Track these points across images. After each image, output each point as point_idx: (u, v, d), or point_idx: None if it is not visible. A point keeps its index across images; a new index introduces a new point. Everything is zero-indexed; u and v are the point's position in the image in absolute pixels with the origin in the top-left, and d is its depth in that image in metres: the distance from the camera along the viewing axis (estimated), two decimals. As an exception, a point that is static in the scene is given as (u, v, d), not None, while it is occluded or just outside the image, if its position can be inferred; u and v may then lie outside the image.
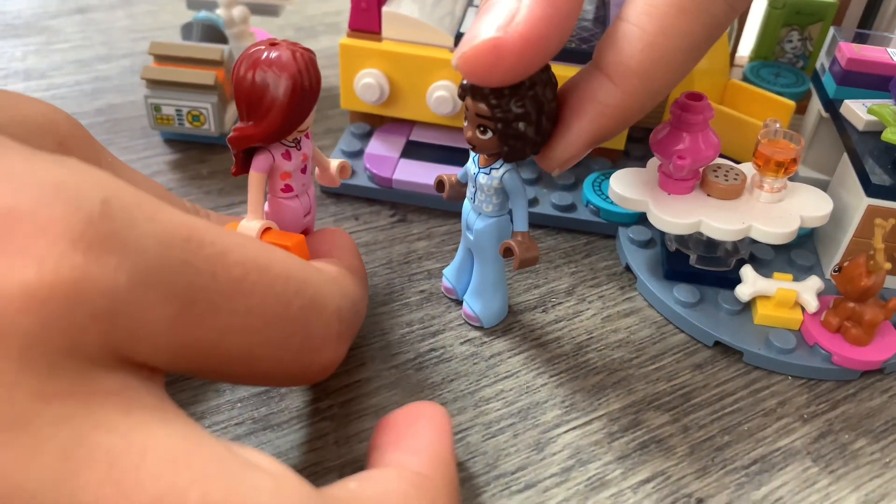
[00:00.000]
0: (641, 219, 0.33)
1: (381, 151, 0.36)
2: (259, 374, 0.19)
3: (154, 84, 0.35)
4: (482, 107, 0.23)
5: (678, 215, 0.28)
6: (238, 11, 0.39)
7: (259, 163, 0.24)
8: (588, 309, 0.30)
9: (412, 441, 0.21)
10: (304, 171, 0.26)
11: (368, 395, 0.26)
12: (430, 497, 0.19)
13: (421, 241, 0.33)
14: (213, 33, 0.38)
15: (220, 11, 0.39)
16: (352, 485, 0.18)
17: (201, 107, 0.35)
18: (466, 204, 0.27)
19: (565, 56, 0.34)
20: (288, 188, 0.25)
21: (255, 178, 0.24)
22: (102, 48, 0.45)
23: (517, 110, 0.22)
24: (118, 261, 0.15)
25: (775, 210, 0.29)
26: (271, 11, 0.41)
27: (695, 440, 0.26)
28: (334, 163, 0.28)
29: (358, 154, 0.36)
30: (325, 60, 0.45)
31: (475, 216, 0.27)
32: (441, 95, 0.34)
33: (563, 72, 0.33)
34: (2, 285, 0.14)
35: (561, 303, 0.30)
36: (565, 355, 0.28)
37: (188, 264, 0.16)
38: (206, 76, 0.35)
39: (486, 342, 0.28)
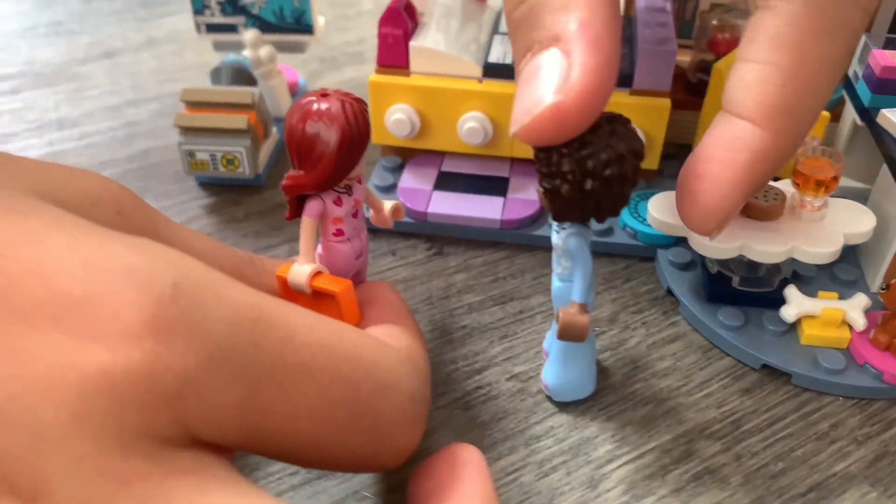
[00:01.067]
0: (680, 240, 0.33)
1: (414, 184, 0.36)
2: (328, 458, 0.19)
3: (187, 131, 0.35)
4: (534, 157, 0.22)
5: (720, 239, 0.28)
6: (265, 51, 0.40)
7: (311, 209, 0.25)
8: (632, 337, 0.30)
9: (457, 487, 0.20)
10: (355, 215, 0.26)
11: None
12: None
13: (459, 274, 0.33)
14: (242, 75, 0.38)
15: (246, 53, 0.39)
16: None
17: (235, 150, 0.35)
18: None
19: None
20: (339, 232, 0.26)
21: (306, 223, 0.25)
22: (131, 92, 0.46)
23: (563, 168, 0.21)
24: (187, 343, 0.15)
25: (817, 229, 0.28)
26: (297, 48, 0.41)
27: (749, 469, 0.25)
28: (388, 204, 0.28)
29: (391, 188, 0.36)
30: (353, 92, 0.46)
31: (553, 275, 0.25)
32: (472, 127, 0.34)
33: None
34: (80, 369, 0.14)
35: (605, 332, 0.30)
36: (613, 387, 0.28)
37: (257, 346, 0.17)
38: (238, 120, 0.35)
39: (532, 378, 0.28)
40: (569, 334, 0.24)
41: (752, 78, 0.21)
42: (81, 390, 0.14)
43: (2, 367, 0.14)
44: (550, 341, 0.28)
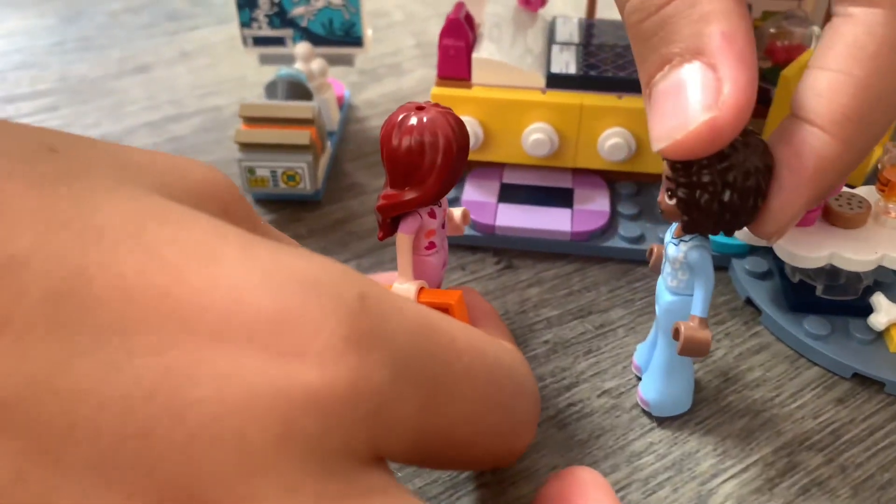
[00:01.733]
0: (754, 249, 0.33)
1: (478, 197, 0.35)
2: (473, 460, 0.19)
3: (247, 147, 0.35)
4: (668, 168, 0.22)
5: (809, 249, 0.28)
6: (317, 64, 0.39)
7: (409, 225, 0.24)
8: (717, 349, 0.30)
9: None
10: (443, 225, 0.26)
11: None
12: None
13: (532, 288, 0.33)
14: (298, 89, 0.37)
15: (299, 66, 0.39)
16: None
17: (297, 167, 0.35)
18: (660, 277, 0.26)
19: (601, 86, 0.34)
20: (432, 245, 0.26)
21: (404, 240, 0.25)
22: (171, 108, 0.45)
23: (703, 179, 0.21)
24: (381, 356, 0.15)
25: (905, 236, 0.28)
26: (346, 61, 0.41)
27: (855, 480, 0.25)
28: (457, 211, 0.28)
29: (453, 202, 0.36)
30: (396, 104, 0.45)
31: (663, 289, 0.25)
32: (538, 138, 0.34)
33: (598, 101, 0.33)
34: (285, 388, 0.14)
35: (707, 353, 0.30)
36: (706, 400, 0.28)
37: (431, 354, 0.17)
38: (300, 136, 0.34)
39: (623, 393, 0.28)
40: (692, 350, 0.23)
41: (825, 86, 0.21)
42: (287, 411, 0.14)
43: (199, 387, 0.13)
44: (646, 357, 0.28)
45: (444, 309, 0.24)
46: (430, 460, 0.18)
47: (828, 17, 0.38)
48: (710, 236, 0.33)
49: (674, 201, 0.22)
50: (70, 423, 0.13)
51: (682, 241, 0.24)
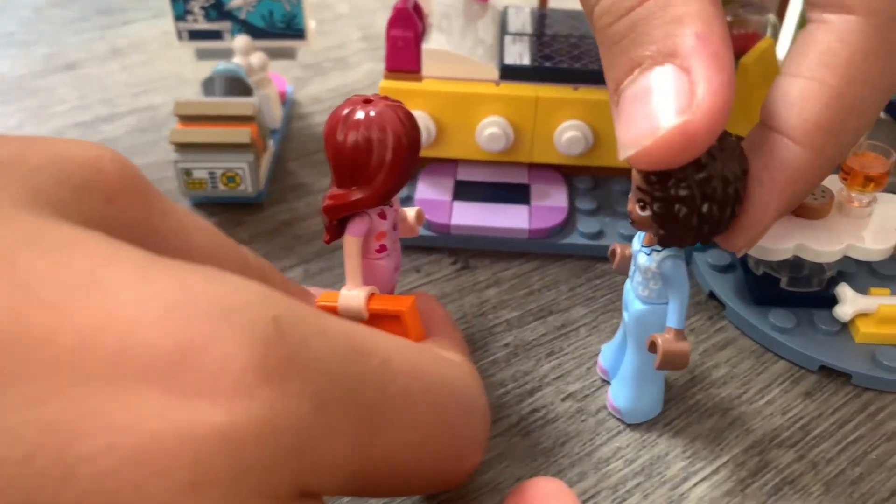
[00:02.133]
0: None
1: (432, 195, 0.34)
2: (416, 486, 0.18)
3: (183, 147, 0.33)
4: (641, 179, 0.20)
5: (774, 241, 0.27)
6: (257, 59, 0.37)
7: (357, 227, 0.23)
8: (683, 345, 0.29)
9: None
10: (395, 227, 0.24)
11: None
12: None
13: (490, 289, 0.31)
14: (237, 85, 0.35)
15: (237, 60, 0.37)
16: None
17: (237, 167, 0.33)
18: (627, 281, 0.24)
19: (557, 77, 0.33)
20: (382, 248, 0.24)
21: (352, 242, 0.23)
22: (103, 107, 0.43)
23: (681, 192, 0.19)
24: (301, 387, 0.13)
25: (868, 225, 0.28)
26: (288, 54, 0.39)
27: (827, 476, 0.24)
28: (410, 211, 0.26)
29: (405, 201, 0.34)
30: (342, 99, 0.43)
31: (632, 297, 0.24)
32: (493, 133, 0.32)
33: (553, 93, 0.32)
34: (191, 432, 0.12)
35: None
36: (674, 400, 0.27)
37: (361, 379, 0.15)
38: (240, 134, 0.32)
39: (588, 395, 0.27)
40: (671, 364, 0.22)
41: (796, 94, 0.20)
42: (196, 457, 0.12)
43: (89, 441, 0.12)
44: (612, 359, 0.27)
45: (396, 317, 0.22)
46: (371, 490, 0.17)
47: (784, 6, 0.37)
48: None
49: (647, 213, 0.20)
50: None
51: (654, 250, 0.22)
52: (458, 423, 0.18)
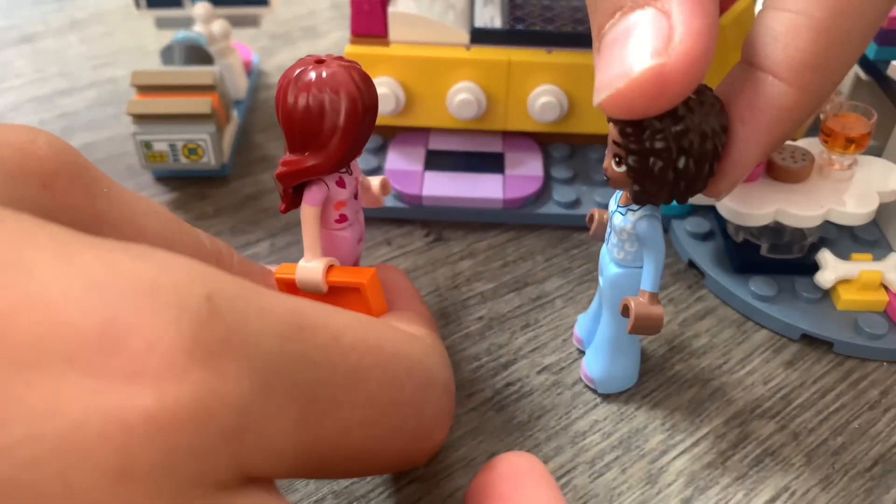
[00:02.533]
0: (694, 209, 0.31)
1: (403, 166, 0.33)
2: (375, 467, 0.17)
3: (142, 119, 0.31)
4: (617, 132, 0.19)
5: (754, 206, 0.26)
6: (218, 26, 0.35)
7: (313, 195, 0.21)
8: (662, 315, 0.28)
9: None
10: (356, 196, 0.23)
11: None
12: None
13: (464, 261, 0.30)
14: (197, 54, 0.34)
15: (198, 28, 0.35)
16: None
17: (198, 138, 0.31)
18: (604, 246, 0.23)
19: (529, 40, 0.31)
20: (343, 218, 0.23)
21: (309, 212, 0.22)
22: (61, 80, 0.41)
23: (656, 145, 0.18)
24: (239, 367, 0.12)
25: (849, 188, 0.27)
26: (251, 22, 0.37)
27: (808, 447, 0.24)
28: (374, 181, 0.25)
29: (376, 171, 0.33)
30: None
31: (608, 261, 0.23)
32: (464, 98, 0.31)
33: (526, 56, 0.31)
34: (118, 417, 0.11)
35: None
36: (652, 371, 0.26)
37: (306, 357, 0.14)
38: (200, 104, 0.31)
39: (564, 368, 0.26)
40: (643, 328, 0.21)
41: (782, 28, 0.19)
42: (124, 444, 0.11)
43: (9, 426, 0.11)
44: (587, 328, 0.26)
45: (356, 289, 0.21)
46: (326, 471, 0.16)
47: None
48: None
49: (622, 168, 0.20)
50: None
51: (629, 210, 0.21)
52: (416, 400, 0.17)
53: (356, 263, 0.25)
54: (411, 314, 0.22)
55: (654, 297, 0.21)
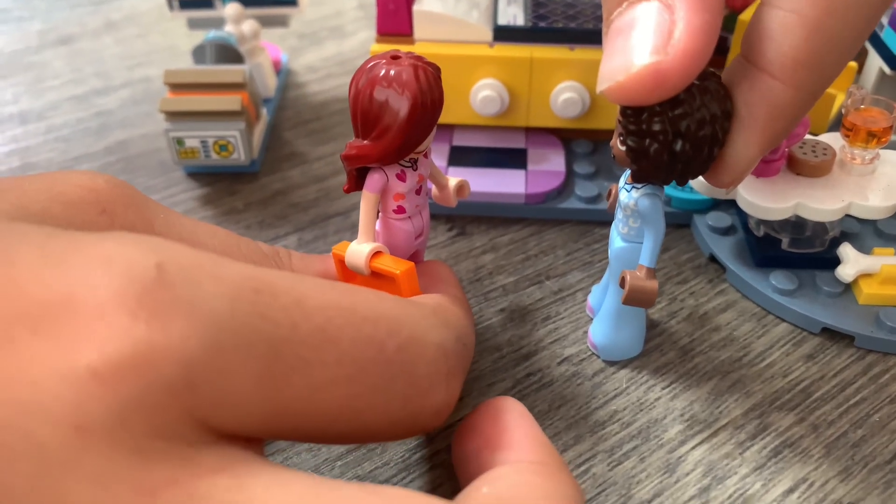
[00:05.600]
0: (716, 203, 0.31)
1: (427, 162, 0.33)
2: (365, 428, 0.17)
3: (174, 116, 0.32)
4: (620, 112, 0.20)
5: (774, 200, 0.26)
6: (248, 26, 0.36)
7: (372, 183, 0.22)
8: (682, 309, 0.28)
9: (506, 437, 0.19)
10: (418, 191, 0.24)
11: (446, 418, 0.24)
12: (555, 479, 0.17)
13: (486, 255, 0.31)
14: (228, 53, 0.35)
15: (229, 28, 0.36)
16: (484, 489, 0.17)
17: (229, 135, 0.32)
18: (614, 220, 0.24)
19: (552, 37, 0.32)
20: (400, 209, 0.24)
21: (367, 197, 0.23)
22: (97, 80, 0.42)
23: (653, 127, 0.19)
24: (186, 325, 0.14)
25: (871, 182, 0.27)
26: (280, 22, 0.38)
27: (828, 439, 0.24)
28: (452, 181, 0.26)
29: (401, 167, 0.34)
30: (338, 67, 0.43)
31: (615, 234, 0.24)
32: (487, 95, 0.32)
33: (549, 54, 0.31)
34: (70, 375, 0.13)
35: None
36: (671, 363, 0.26)
37: (265, 318, 0.15)
38: (231, 101, 0.32)
39: (584, 359, 0.26)
40: (637, 300, 0.22)
41: (775, 27, 0.19)
42: (76, 399, 0.13)
43: None
44: (597, 298, 0.26)
45: (391, 278, 0.22)
46: (308, 433, 0.16)
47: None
48: (667, 188, 0.31)
49: (624, 147, 0.20)
50: None
51: (634, 187, 0.22)
52: (403, 359, 0.18)
53: (415, 257, 0.26)
54: (437, 295, 0.22)
55: (650, 272, 0.22)
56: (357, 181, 0.23)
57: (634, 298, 0.23)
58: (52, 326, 0.13)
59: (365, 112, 0.21)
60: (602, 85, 0.19)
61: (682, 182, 0.21)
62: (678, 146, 0.19)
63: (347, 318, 0.17)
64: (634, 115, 0.19)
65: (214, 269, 0.15)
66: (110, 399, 0.13)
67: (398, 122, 0.21)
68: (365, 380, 0.17)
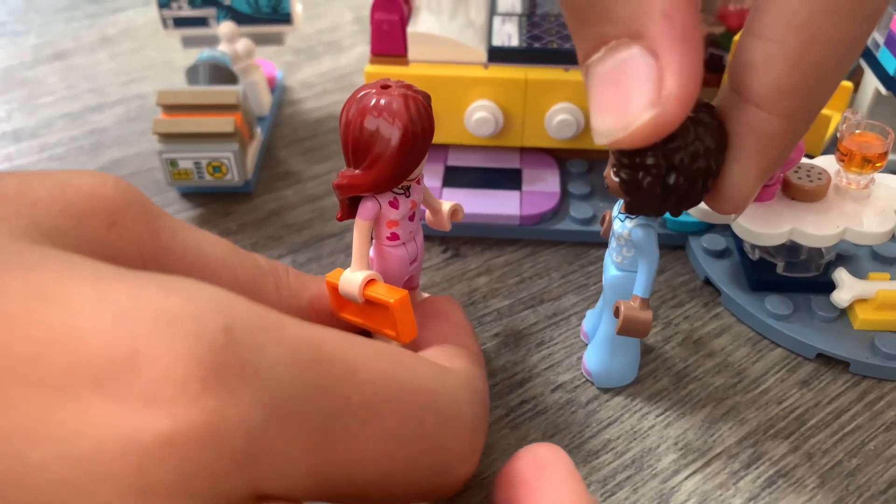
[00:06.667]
0: (711, 227, 0.31)
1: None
2: (392, 497, 0.18)
3: (167, 137, 0.32)
4: None
5: (769, 225, 0.26)
6: (242, 45, 0.36)
7: (365, 211, 0.23)
8: (676, 333, 0.28)
9: (549, 494, 0.18)
10: (412, 218, 0.24)
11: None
12: None
13: (481, 277, 0.31)
14: (222, 73, 0.35)
15: (222, 48, 0.36)
16: None
17: (222, 156, 0.32)
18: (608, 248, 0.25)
19: (546, 58, 0.32)
20: (394, 236, 0.24)
21: (360, 225, 0.23)
22: (92, 97, 0.42)
23: (647, 161, 0.19)
24: (252, 395, 0.13)
25: (866, 207, 0.27)
26: (275, 40, 0.38)
27: (822, 468, 0.24)
28: (446, 205, 0.26)
29: (395, 187, 0.34)
30: (334, 83, 0.43)
31: (609, 263, 0.24)
32: (482, 116, 0.32)
33: (543, 75, 0.31)
34: (135, 439, 0.12)
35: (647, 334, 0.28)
36: (665, 390, 0.26)
37: (321, 389, 0.15)
38: (224, 123, 0.32)
39: (578, 386, 0.26)
40: (630, 330, 0.22)
41: (759, 57, 0.19)
42: (141, 464, 0.12)
43: (43, 448, 0.12)
44: (592, 324, 0.26)
45: (385, 306, 0.22)
46: (342, 497, 0.16)
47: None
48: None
49: (618, 179, 0.20)
50: None
51: (628, 217, 0.22)
52: (438, 434, 0.18)
53: (409, 283, 0.26)
54: (457, 348, 0.22)
55: (644, 303, 0.22)
56: (350, 209, 0.23)
57: (628, 329, 0.23)
58: (117, 385, 0.13)
59: (356, 141, 0.21)
60: (600, 140, 0.18)
61: (676, 213, 0.21)
62: (672, 179, 0.19)
63: (393, 391, 0.17)
64: (628, 150, 0.19)
65: (277, 332, 0.15)
66: (177, 467, 0.13)
67: (389, 151, 0.21)
68: (402, 453, 0.17)
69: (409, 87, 0.22)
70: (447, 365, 0.21)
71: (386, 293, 0.22)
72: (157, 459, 0.12)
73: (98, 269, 0.14)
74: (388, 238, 0.24)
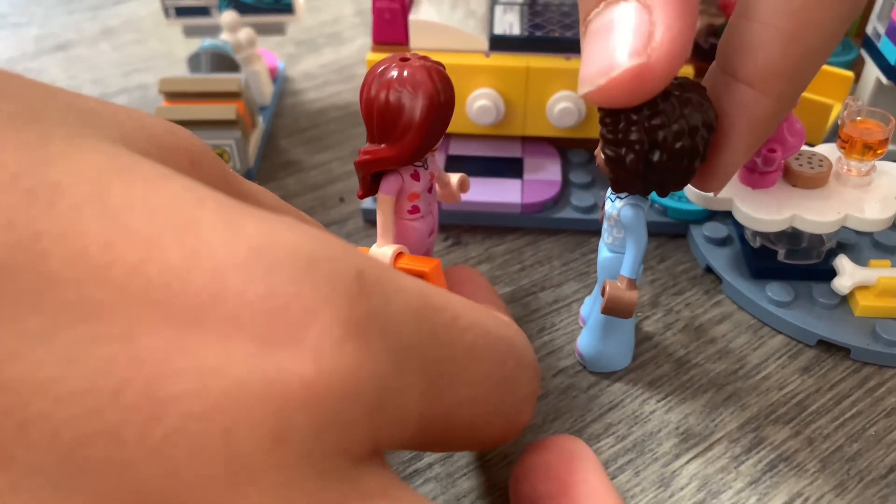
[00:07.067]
0: (712, 214, 0.31)
1: (423, 171, 0.33)
2: (475, 442, 0.18)
3: (170, 125, 0.32)
4: (600, 119, 0.20)
5: (769, 212, 0.26)
6: (244, 35, 0.36)
7: (389, 185, 0.23)
8: (678, 320, 0.28)
9: (582, 488, 0.18)
10: (430, 189, 0.24)
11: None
12: None
13: (482, 265, 0.31)
14: (224, 61, 0.35)
15: (224, 37, 0.36)
16: None
17: (224, 144, 0.32)
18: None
19: (548, 47, 0.32)
20: (415, 209, 0.24)
21: (385, 200, 0.23)
22: (94, 87, 0.42)
23: (630, 136, 0.19)
24: (383, 343, 0.13)
25: (867, 194, 0.27)
26: (277, 29, 0.38)
27: (823, 453, 0.24)
28: (454, 177, 0.26)
29: (396, 176, 0.34)
30: (336, 74, 0.43)
31: (602, 245, 0.24)
32: (483, 105, 0.32)
33: (545, 63, 0.31)
34: (278, 382, 0.12)
35: (648, 316, 0.28)
36: (666, 376, 0.26)
37: (433, 336, 0.15)
38: (226, 111, 0.32)
39: (580, 371, 0.26)
40: (615, 310, 0.22)
41: (752, 39, 0.19)
42: (281, 408, 0.12)
43: (177, 381, 0.11)
44: (589, 309, 0.27)
45: (420, 276, 0.22)
46: (433, 445, 0.17)
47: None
48: (657, 201, 0.31)
49: (603, 156, 0.20)
50: (21, 421, 0.11)
51: (618, 197, 0.22)
52: (515, 378, 0.18)
53: (427, 254, 0.26)
54: (495, 308, 0.22)
55: (631, 283, 0.22)
56: (371, 186, 0.23)
57: (612, 309, 0.23)
58: (256, 325, 0.12)
59: (382, 115, 0.21)
60: (583, 89, 0.19)
61: (662, 193, 0.21)
62: (655, 157, 0.19)
63: (486, 337, 0.17)
64: (612, 124, 0.19)
65: (395, 280, 0.15)
66: (315, 415, 0.12)
67: (417, 122, 0.21)
68: (491, 398, 0.17)
69: (425, 58, 0.22)
70: None
71: (418, 263, 0.23)
72: (298, 405, 0.12)
73: (220, 198, 0.13)
74: (408, 212, 0.24)
